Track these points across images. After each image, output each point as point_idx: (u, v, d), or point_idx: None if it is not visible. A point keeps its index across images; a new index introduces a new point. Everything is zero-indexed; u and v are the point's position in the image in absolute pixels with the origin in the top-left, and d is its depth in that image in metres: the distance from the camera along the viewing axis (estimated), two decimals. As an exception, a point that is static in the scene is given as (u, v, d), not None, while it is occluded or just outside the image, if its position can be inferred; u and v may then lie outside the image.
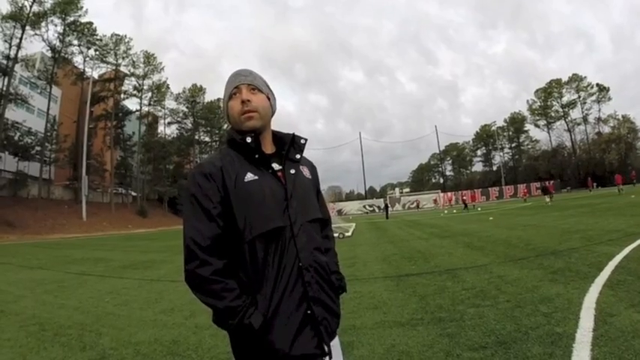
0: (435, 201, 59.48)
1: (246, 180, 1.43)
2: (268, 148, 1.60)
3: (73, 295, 7.58)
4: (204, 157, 77.79)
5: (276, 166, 1.53)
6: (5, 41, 46.16)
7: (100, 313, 6.00)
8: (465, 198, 42.94)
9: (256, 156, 1.49)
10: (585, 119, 76.80)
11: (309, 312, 1.41)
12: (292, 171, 1.55)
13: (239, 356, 1.43)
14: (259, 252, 1.39)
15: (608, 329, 3.56)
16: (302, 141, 1.65)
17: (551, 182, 52.33)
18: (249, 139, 1.48)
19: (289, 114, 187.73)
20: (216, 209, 1.40)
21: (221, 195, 1.41)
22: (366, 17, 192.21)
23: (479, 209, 37.16)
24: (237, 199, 1.41)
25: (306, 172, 1.67)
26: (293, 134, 1.64)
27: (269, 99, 1.63)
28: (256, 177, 1.45)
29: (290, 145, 1.61)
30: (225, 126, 78.93)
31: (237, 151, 1.51)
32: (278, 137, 1.65)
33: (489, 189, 67.28)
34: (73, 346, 4.43)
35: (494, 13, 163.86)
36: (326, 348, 1.45)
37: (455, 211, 37.70)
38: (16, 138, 48.13)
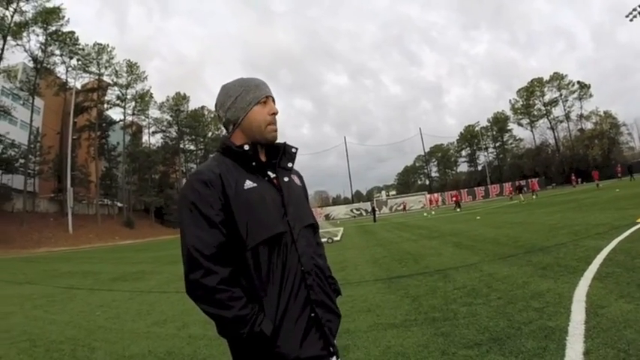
0: (431, 201, 59.05)
1: (245, 187, 1.44)
2: (262, 156, 1.61)
3: (63, 310, 7.51)
4: (190, 165, 77.68)
5: (271, 174, 1.56)
6: (-14, 52, 45.49)
7: (92, 327, 5.96)
8: (456, 198, 42.50)
9: (253, 164, 1.51)
10: (568, 116, 77.79)
11: (313, 315, 1.44)
12: (286, 179, 1.58)
13: None
14: (263, 258, 1.40)
15: (599, 321, 3.63)
16: (293, 150, 1.67)
17: (535, 180, 52.99)
18: (246, 147, 1.50)
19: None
20: (218, 216, 1.38)
21: (222, 202, 1.40)
22: (349, 21, 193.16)
23: (458, 210, 37.26)
24: (238, 206, 1.41)
25: (296, 180, 1.70)
26: (284, 143, 1.65)
27: None
28: (255, 184, 1.47)
29: (282, 153, 1.63)
30: (209, 134, 78.76)
31: (232, 159, 1.51)
32: (270, 146, 1.65)
33: (475, 189, 67.84)
34: (66, 361, 4.39)
35: (476, 14, 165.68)
36: (332, 348, 1.48)
37: (433, 212, 37.55)
38: (-1, 151, 47.40)
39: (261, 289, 1.39)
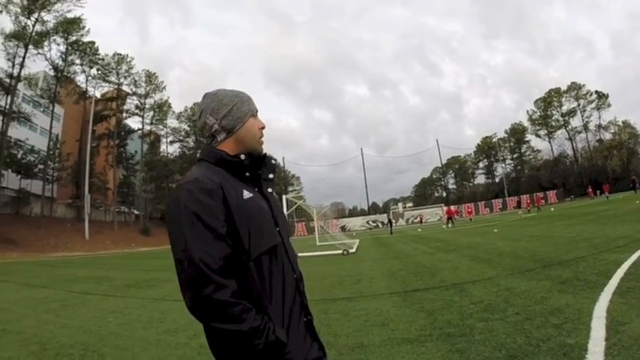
0: (456, 213, 57.10)
1: (244, 197, 1.43)
2: None
3: (75, 315, 7.53)
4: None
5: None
6: (8, 60, 46.42)
7: (103, 332, 5.96)
8: (448, 213, 38.66)
9: (247, 174, 1.53)
10: (586, 127, 76.58)
11: (307, 319, 1.53)
12: (269, 190, 1.62)
13: None
14: (265, 267, 1.41)
15: (620, 338, 3.52)
16: (273, 161, 1.66)
17: (541, 194, 52.88)
18: (243, 157, 1.51)
19: (293, 130, 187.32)
20: (223, 227, 1.34)
21: (224, 213, 1.36)
22: (370, 31, 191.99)
23: (448, 226, 34.92)
24: (240, 217, 1.38)
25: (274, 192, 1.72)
26: (265, 154, 1.63)
27: None
28: (251, 194, 1.47)
29: (263, 165, 1.61)
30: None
31: (225, 169, 1.49)
32: (252, 158, 1.63)
33: (493, 201, 66.95)
34: (74, 366, 4.37)
35: (496, 23, 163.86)
36: (324, 350, 1.57)
37: (450, 225, 36.98)
38: (18, 156, 48.35)
39: (265, 298, 1.39)
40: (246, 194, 1.44)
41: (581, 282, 5.95)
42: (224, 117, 1.55)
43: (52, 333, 6.07)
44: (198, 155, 1.62)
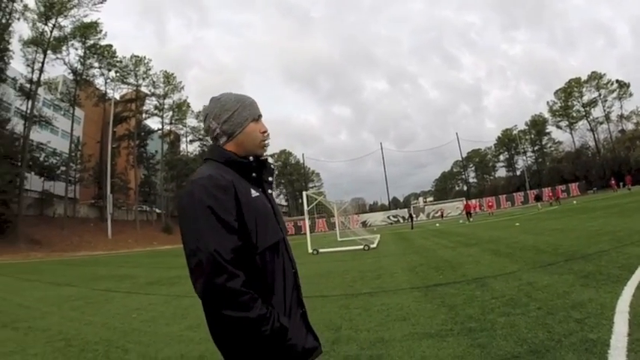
0: (475, 207, 56.41)
1: (252, 196, 1.53)
2: None
3: (99, 312, 7.66)
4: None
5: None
6: (28, 65, 47.43)
7: (127, 329, 6.04)
8: (466, 208, 38.75)
9: (254, 175, 1.62)
10: (607, 117, 74.73)
11: (302, 311, 1.64)
12: (270, 191, 1.72)
13: None
14: (269, 262, 1.52)
15: (644, 333, 3.44)
16: (272, 166, 1.77)
17: (550, 188, 52.12)
18: (251, 159, 1.62)
19: (313, 126, 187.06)
20: (235, 222, 1.42)
21: (236, 208, 1.45)
22: (388, 25, 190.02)
23: (469, 221, 34.51)
24: (248, 213, 1.48)
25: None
26: (265, 159, 1.72)
27: None
28: (258, 194, 1.57)
29: (263, 168, 1.71)
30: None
31: (234, 170, 1.57)
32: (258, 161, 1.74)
33: (514, 194, 65.77)
34: (99, 362, 4.45)
35: (515, 13, 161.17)
36: (319, 340, 1.66)
37: (471, 219, 36.62)
38: (41, 159, 49.36)
39: (269, 290, 1.49)
40: (254, 193, 1.54)
41: (604, 276, 5.86)
42: (225, 122, 1.64)
43: (76, 330, 6.18)
44: (205, 155, 1.71)
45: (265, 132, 1.70)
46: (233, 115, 1.64)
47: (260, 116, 1.71)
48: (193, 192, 1.43)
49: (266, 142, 1.71)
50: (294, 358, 1.48)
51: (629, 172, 46.55)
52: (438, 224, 38.66)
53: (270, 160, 1.76)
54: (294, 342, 1.47)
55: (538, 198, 41.17)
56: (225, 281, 1.32)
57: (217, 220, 1.38)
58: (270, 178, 1.74)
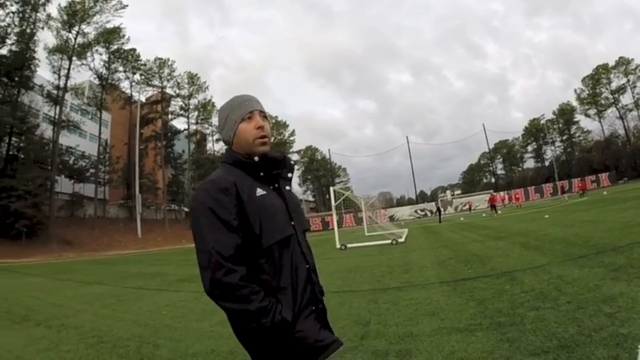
0: (503, 199, 55.49)
1: (257, 194, 1.57)
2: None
3: (130, 309, 7.77)
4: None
5: (275, 184, 1.71)
6: (54, 72, 48.81)
7: (158, 325, 6.12)
8: (491, 201, 37.94)
9: (262, 174, 1.65)
10: (637, 104, 72.23)
11: (320, 306, 1.64)
12: (287, 188, 1.76)
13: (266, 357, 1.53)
14: (276, 257, 1.55)
15: (675, 328, 3.33)
16: (292, 162, 1.80)
17: (580, 179, 51.17)
18: (256, 159, 1.63)
19: (338, 121, 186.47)
20: (235, 220, 1.49)
21: (237, 207, 1.51)
22: (410, 16, 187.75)
23: (495, 214, 33.78)
24: (252, 211, 1.53)
25: (293, 189, 1.86)
26: (284, 156, 1.76)
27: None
28: (265, 192, 1.60)
29: (283, 165, 1.73)
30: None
31: (242, 170, 1.63)
32: (271, 158, 1.73)
33: (543, 185, 64.40)
34: (131, 357, 4.53)
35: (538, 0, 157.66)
36: (335, 335, 1.65)
37: (500, 211, 36.03)
38: (70, 162, 50.91)
39: (276, 284, 1.52)
40: (260, 192, 1.58)
41: (636, 269, 5.66)
42: (222, 130, 1.74)
43: (108, 327, 6.27)
44: (222, 158, 1.78)
45: (260, 127, 1.66)
46: (226, 122, 1.71)
47: (252, 112, 1.68)
48: (198, 196, 1.56)
49: (262, 138, 1.67)
50: (306, 351, 1.51)
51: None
52: (462, 218, 38.33)
53: (292, 157, 1.73)
54: (303, 335, 1.50)
55: (563, 190, 40.63)
56: (222, 276, 1.40)
57: (218, 220, 1.47)
58: (289, 174, 1.79)
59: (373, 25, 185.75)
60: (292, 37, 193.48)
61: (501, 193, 58.90)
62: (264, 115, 1.73)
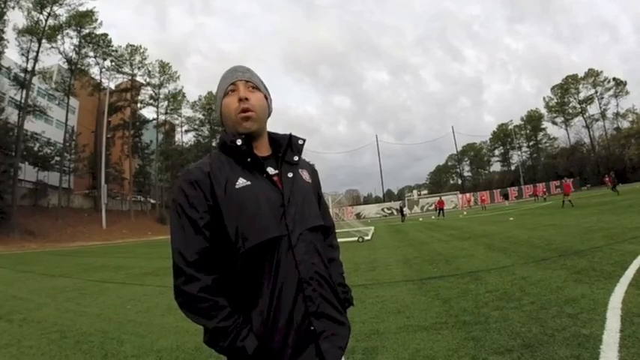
0: (469, 201, 57.45)
1: (237, 186, 1.32)
2: (264, 150, 1.48)
3: (94, 303, 7.64)
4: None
5: (271, 170, 1.42)
6: (22, 55, 47.30)
7: (122, 320, 6.04)
8: (439, 205, 39.37)
9: (248, 159, 1.37)
10: (603, 115, 75.18)
11: (312, 328, 1.30)
12: (290, 174, 1.43)
13: None
14: (254, 265, 1.28)
15: (635, 330, 3.49)
16: (300, 142, 1.53)
17: (541, 184, 53.13)
18: (239, 142, 1.36)
19: (311, 117, 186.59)
20: (202, 219, 1.28)
21: (209, 203, 1.30)
22: (393, 15, 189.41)
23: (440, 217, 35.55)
24: (228, 208, 1.29)
25: (305, 175, 1.54)
26: (290, 134, 1.53)
27: (266, 99, 1.52)
28: (249, 182, 1.34)
29: (287, 146, 1.49)
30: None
31: (227, 155, 1.39)
32: (274, 139, 1.53)
33: (508, 189, 65.96)
34: (94, 353, 4.46)
35: (520, 6, 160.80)
36: None
37: (465, 212, 36.88)
38: (35, 148, 49.28)
39: (250, 299, 1.28)
40: (241, 183, 1.33)
41: (597, 272, 5.90)
42: (215, 110, 1.56)
43: (72, 321, 6.16)
44: None
45: (241, 99, 1.40)
46: (216, 101, 1.52)
47: (234, 84, 1.45)
48: (174, 189, 1.38)
49: (244, 112, 1.40)
50: None
51: (608, 174, 46.80)
52: (421, 219, 39.14)
53: (299, 136, 1.54)
54: None
55: (506, 196, 42.85)
56: (182, 284, 1.26)
57: (185, 218, 1.29)
58: (295, 158, 1.49)
59: (355, 21, 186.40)
60: (273, 29, 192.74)
61: (467, 195, 60.22)
62: (251, 85, 1.46)
